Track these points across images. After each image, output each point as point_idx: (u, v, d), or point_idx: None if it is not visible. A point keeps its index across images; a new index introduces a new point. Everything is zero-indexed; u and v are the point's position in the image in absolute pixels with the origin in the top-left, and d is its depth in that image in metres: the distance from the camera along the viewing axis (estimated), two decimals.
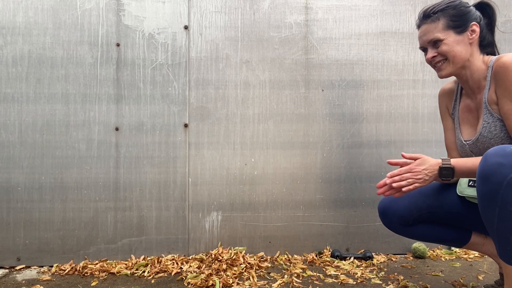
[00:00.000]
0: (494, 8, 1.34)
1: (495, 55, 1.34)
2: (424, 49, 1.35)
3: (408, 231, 1.46)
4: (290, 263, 1.88)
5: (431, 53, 1.31)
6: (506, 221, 1.05)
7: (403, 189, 1.22)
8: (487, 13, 1.34)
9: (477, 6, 1.33)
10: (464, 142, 1.37)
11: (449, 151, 1.49)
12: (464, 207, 1.41)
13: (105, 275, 1.73)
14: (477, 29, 1.28)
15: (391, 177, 1.24)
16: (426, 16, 1.30)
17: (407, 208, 1.43)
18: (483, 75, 1.28)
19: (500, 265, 1.50)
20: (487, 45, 1.33)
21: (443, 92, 1.50)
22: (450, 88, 1.47)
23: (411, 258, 1.98)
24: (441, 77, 1.34)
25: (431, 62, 1.33)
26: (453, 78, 1.46)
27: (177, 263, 1.83)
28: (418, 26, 1.35)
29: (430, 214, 1.44)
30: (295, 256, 1.98)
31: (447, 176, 1.22)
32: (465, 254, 2.00)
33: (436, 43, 1.29)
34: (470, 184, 1.39)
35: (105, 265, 1.82)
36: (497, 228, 1.08)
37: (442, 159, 1.23)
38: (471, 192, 1.39)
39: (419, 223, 1.45)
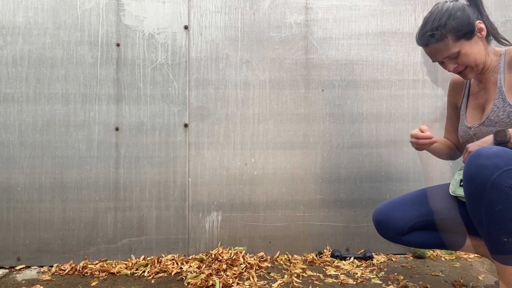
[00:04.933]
0: None
1: (498, 40, 1.34)
2: (440, 62, 1.34)
3: (404, 240, 1.46)
4: (290, 263, 1.88)
5: (451, 65, 1.30)
6: (494, 221, 1.06)
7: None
8: (472, 1, 1.32)
9: None
10: (467, 127, 1.38)
11: (446, 132, 1.58)
12: (456, 211, 1.41)
13: (105, 275, 1.73)
14: (482, 25, 1.27)
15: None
16: (431, 36, 1.27)
17: (401, 218, 1.44)
18: (496, 66, 1.30)
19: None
20: (488, 34, 1.32)
21: (454, 83, 1.51)
22: (460, 78, 1.48)
23: (411, 258, 1.98)
24: (468, 79, 1.36)
25: (453, 72, 1.33)
26: None
27: (177, 263, 1.83)
28: (425, 45, 1.31)
29: (425, 221, 1.44)
30: (295, 256, 1.98)
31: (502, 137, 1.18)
32: (465, 254, 2.01)
33: (453, 57, 1.28)
34: (461, 184, 1.40)
35: (105, 265, 1.82)
36: (486, 228, 1.10)
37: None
38: (462, 192, 1.39)
39: (414, 230, 1.45)
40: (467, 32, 1.25)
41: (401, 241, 1.48)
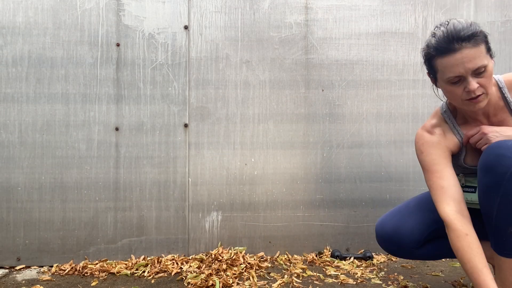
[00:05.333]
0: None
1: None
2: (457, 78, 1.12)
3: (416, 254, 1.38)
4: (290, 263, 1.88)
5: (474, 83, 1.10)
6: (505, 211, 1.07)
7: None
8: None
9: None
10: (470, 168, 1.30)
11: (447, 199, 1.20)
12: None
13: (105, 275, 1.73)
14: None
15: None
16: (467, 38, 1.08)
17: (417, 229, 1.34)
18: (497, 96, 1.22)
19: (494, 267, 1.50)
20: None
21: (441, 136, 1.29)
22: (440, 128, 1.30)
23: None
24: (478, 109, 1.16)
25: (470, 93, 1.12)
26: (433, 115, 1.35)
27: (177, 263, 1.83)
28: (453, 50, 1.10)
29: (439, 229, 1.36)
30: (295, 256, 1.98)
31: None
32: None
33: (481, 71, 1.10)
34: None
35: (105, 265, 1.82)
36: (496, 218, 1.10)
37: None
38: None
39: (427, 242, 1.38)
40: (490, 49, 1.13)
41: (413, 255, 1.38)
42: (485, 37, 1.11)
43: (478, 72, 1.10)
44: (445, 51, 1.12)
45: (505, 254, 1.11)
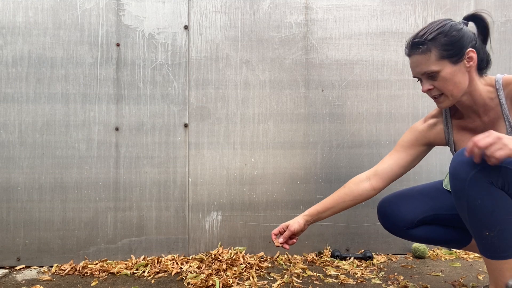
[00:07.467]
0: (488, 22, 1.21)
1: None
2: (416, 78, 1.26)
3: (410, 234, 1.44)
4: (290, 263, 1.88)
5: (426, 85, 1.21)
6: (475, 216, 1.10)
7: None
8: (481, 26, 1.22)
9: (470, 18, 1.23)
10: None
11: (373, 168, 1.41)
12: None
13: (105, 275, 1.73)
14: (474, 55, 1.16)
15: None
16: (415, 46, 1.18)
17: (412, 211, 1.41)
18: (488, 97, 1.21)
19: None
20: (486, 67, 1.23)
21: (429, 127, 1.38)
22: (435, 119, 1.38)
23: (411, 258, 1.98)
24: (442, 108, 1.27)
25: (427, 94, 1.24)
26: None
27: (177, 263, 1.83)
28: (408, 55, 1.23)
29: (435, 216, 1.42)
30: (295, 256, 1.98)
31: None
32: (465, 254, 2.01)
33: (431, 75, 1.18)
34: None
35: (105, 265, 1.82)
36: (470, 222, 1.13)
37: None
38: None
39: (422, 225, 1.43)
40: (454, 55, 1.15)
41: (407, 235, 1.44)
42: (442, 45, 1.15)
43: (430, 76, 1.19)
44: (406, 54, 1.25)
45: (489, 256, 1.12)
